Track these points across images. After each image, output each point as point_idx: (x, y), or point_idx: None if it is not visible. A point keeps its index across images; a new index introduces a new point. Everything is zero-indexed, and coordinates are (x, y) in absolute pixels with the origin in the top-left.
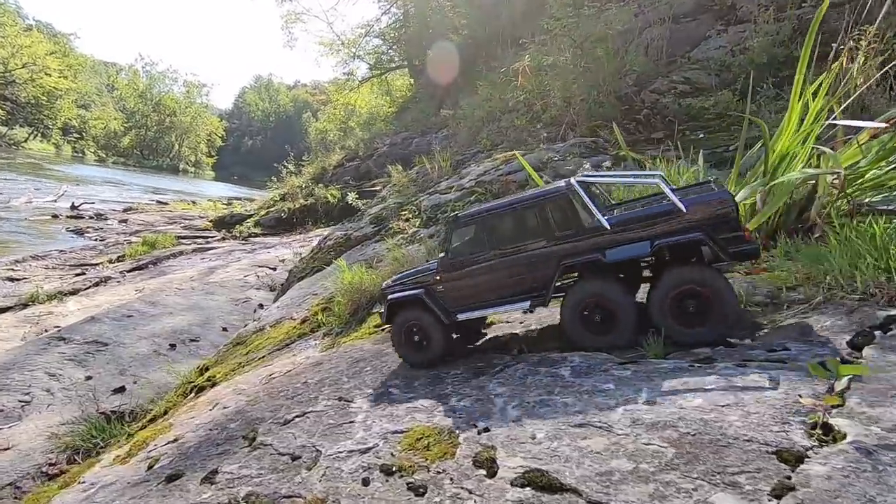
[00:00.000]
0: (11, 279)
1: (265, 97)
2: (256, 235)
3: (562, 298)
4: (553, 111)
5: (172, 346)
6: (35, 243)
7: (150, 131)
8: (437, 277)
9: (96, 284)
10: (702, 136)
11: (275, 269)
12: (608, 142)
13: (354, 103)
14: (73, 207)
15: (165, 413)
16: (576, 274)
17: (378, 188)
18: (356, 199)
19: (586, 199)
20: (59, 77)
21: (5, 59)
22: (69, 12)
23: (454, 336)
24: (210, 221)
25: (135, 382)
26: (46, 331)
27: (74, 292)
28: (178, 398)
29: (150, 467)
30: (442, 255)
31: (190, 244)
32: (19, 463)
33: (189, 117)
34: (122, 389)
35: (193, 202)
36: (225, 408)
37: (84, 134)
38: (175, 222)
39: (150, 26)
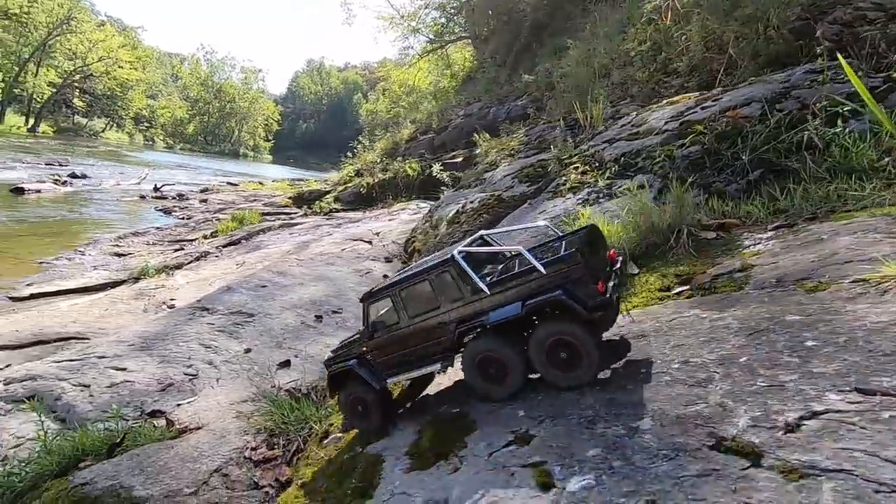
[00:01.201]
0: (118, 255)
1: (317, 80)
2: (337, 211)
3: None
4: (693, 57)
5: (318, 317)
6: (130, 222)
7: (211, 118)
8: (364, 348)
9: (197, 259)
10: None
11: (370, 242)
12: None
13: (413, 79)
14: (156, 189)
15: None
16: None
17: (459, 159)
18: (441, 170)
19: (467, 268)
20: (131, 69)
21: (83, 53)
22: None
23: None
24: (289, 198)
25: (296, 356)
26: (164, 303)
27: (179, 266)
28: None
29: None
30: (363, 328)
31: (274, 220)
32: (218, 446)
33: (247, 103)
34: (287, 364)
35: (261, 183)
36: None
37: (153, 122)
38: (255, 200)
39: (208, 15)
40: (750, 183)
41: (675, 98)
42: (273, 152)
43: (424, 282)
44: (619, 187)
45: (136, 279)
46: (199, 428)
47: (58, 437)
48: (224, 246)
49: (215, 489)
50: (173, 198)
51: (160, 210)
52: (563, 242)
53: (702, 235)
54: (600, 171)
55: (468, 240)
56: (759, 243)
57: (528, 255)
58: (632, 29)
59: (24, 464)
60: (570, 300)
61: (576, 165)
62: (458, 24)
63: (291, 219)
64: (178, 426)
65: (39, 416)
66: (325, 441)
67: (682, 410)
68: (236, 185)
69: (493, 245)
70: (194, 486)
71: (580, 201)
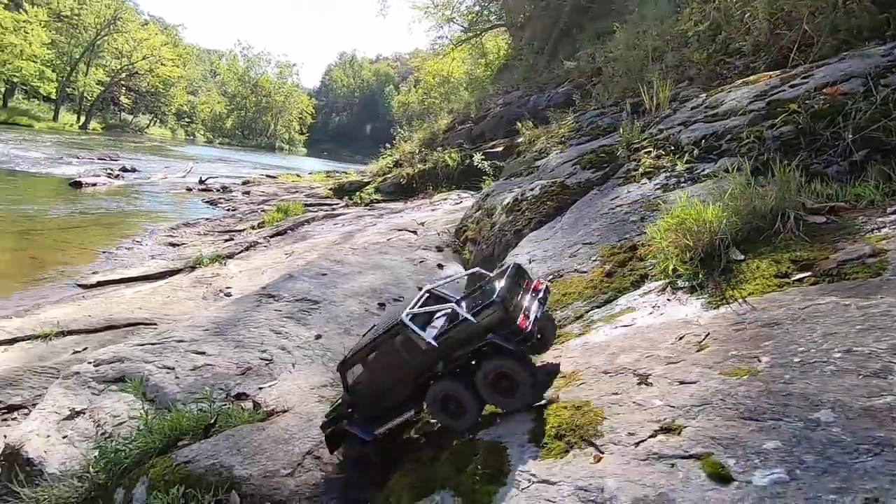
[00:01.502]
0: (173, 244)
1: (349, 73)
2: (378, 202)
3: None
4: (758, 36)
5: (381, 305)
6: (179, 213)
7: (248, 112)
8: (349, 409)
9: (247, 249)
10: None
11: (415, 232)
12: None
13: (447, 69)
14: (202, 181)
15: None
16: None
17: (499, 148)
18: (482, 160)
19: (415, 329)
20: (173, 66)
21: (129, 52)
22: (175, 4)
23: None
24: (330, 189)
25: None
26: (220, 291)
27: (231, 256)
28: None
29: None
30: (343, 393)
31: (317, 211)
32: (307, 429)
33: (282, 97)
34: None
35: (298, 175)
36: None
37: (194, 118)
38: (296, 192)
39: (245, 11)
40: (854, 164)
41: (751, 78)
42: (307, 145)
43: (384, 344)
44: (703, 171)
45: (192, 268)
46: (285, 411)
47: (155, 417)
48: (271, 236)
49: (310, 471)
50: (217, 190)
51: (206, 202)
52: (494, 283)
53: (809, 219)
54: (678, 155)
55: (416, 298)
56: (882, 227)
57: (461, 310)
58: (686, 9)
59: (128, 441)
60: (501, 342)
61: (647, 150)
62: (492, 12)
63: (333, 209)
64: (264, 409)
65: (139, 396)
66: (416, 427)
67: (867, 402)
68: (275, 177)
69: (440, 298)
70: (290, 467)
71: (658, 186)
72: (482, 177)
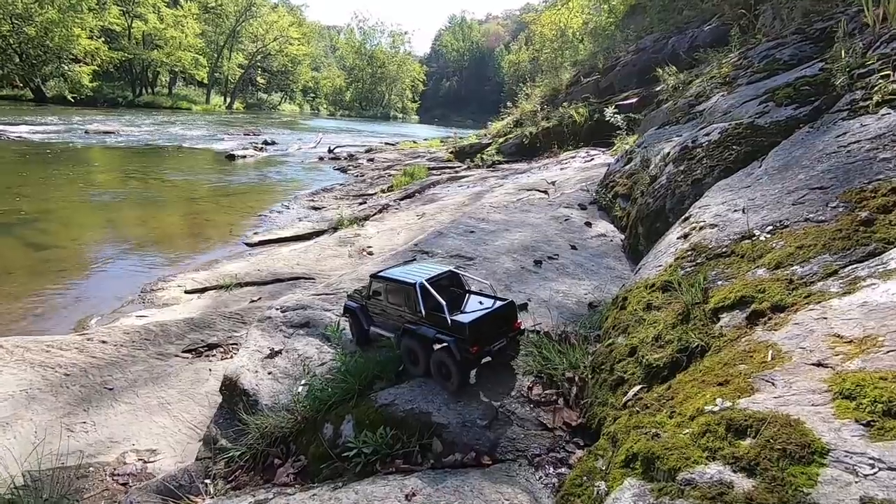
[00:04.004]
0: (314, 208)
1: (459, 37)
2: (500, 163)
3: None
4: None
5: (537, 262)
6: (315, 179)
7: (365, 84)
8: (364, 302)
9: (380, 211)
10: None
11: (545, 192)
12: None
13: (565, 20)
14: (330, 151)
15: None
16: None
17: (633, 100)
18: (615, 113)
19: (419, 296)
20: (299, 45)
21: (262, 35)
22: None
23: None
24: (451, 153)
25: (529, 300)
26: (363, 249)
27: (366, 218)
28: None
29: None
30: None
31: (440, 174)
32: (495, 384)
33: (395, 66)
34: (524, 307)
35: (414, 142)
36: None
37: (317, 93)
38: (417, 157)
39: None
40: None
41: None
42: (419, 112)
43: (399, 288)
44: None
45: (335, 229)
46: None
47: (350, 360)
48: (401, 199)
49: (507, 425)
50: (345, 158)
51: (337, 169)
52: (491, 301)
53: None
54: None
55: (437, 272)
56: None
57: (445, 312)
58: None
59: (331, 380)
60: (454, 348)
61: (884, 73)
62: None
63: (457, 172)
64: None
65: (325, 341)
66: (620, 391)
67: None
68: (394, 144)
69: (461, 280)
70: (486, 419)
71: None
72: (614, 132)
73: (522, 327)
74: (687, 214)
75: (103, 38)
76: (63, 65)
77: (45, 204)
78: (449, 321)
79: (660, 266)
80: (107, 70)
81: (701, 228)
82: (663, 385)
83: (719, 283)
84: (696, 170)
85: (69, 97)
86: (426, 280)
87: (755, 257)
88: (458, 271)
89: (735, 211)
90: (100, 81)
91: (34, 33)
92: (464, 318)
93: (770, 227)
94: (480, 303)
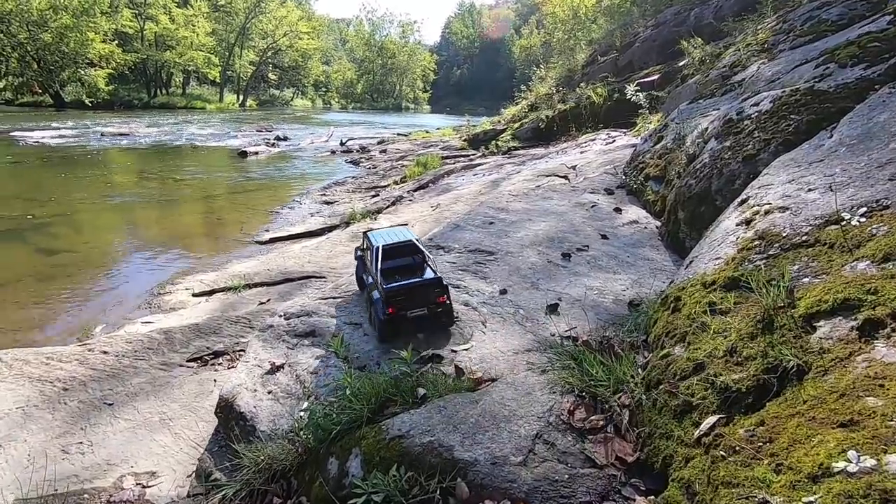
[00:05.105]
0: (326, 202)
1: (468, 23)
2: (516, 149)
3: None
4: None
5: (565, 255)
6: (328, 173)
7: (375, 76)
8: (360, 253)
9: (393, 203)
10: None
11: (565, 177)
12: None
13: (579, 0)
14: (342, 144)
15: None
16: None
17: (654, 76)
18: (636, 91)
19: (377, 257)
20: (309, 39)
21: (272, 31)
22: None
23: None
24: (464, 140)
25: (559, 300)
26: None
27: (379, 211)
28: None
29: None
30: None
31: (454, 163)
32: (527, 405)
33: (405, 56)
34: (555, 308)
35: (427, 131)
36: None
37: (329, 87)
38: (429, 146)
39: None
40: None
41: None
42: (430, 102)
43: (368, 246)
44: None
45: (347, 223)
46: (493, 380)
47: (357, 380)
48: (414, 190)
49: (546, 461)
50: (357, 151)
51: (349, 162)
52: (427, 271)
53: None
54: None
55: (398, 240)
56: None
57: (379, 278)
58: None
59: (335, 405)
60: (378, 306)
61: None
62: None
63: (471, 160)
64: (469, 376)
65: (332, 354)
66: (688, 420)
67: None
68: (406, 135)
69: (416, 246)
70: (520, 453)
71: None
72: (636, 111)
73: (447, 302)
74: (744, 196)
75: (117, 41)
76: (79, 69)
77: (58, 207)
78: (381, 283)
79: (718, 259)
80: (122, 73)
81: (767, 212)
82: (750, 418)
83: (805, 280)
84: (746, 144)
85: (87, 101)
86: (383, 245)
87: (851, 247)
88: (417, 242)
89: (810, 190)
90: (116, 84)
91: (50, 39)
92: (390, 284)
93: (863, 209)
94: (419, 275)
